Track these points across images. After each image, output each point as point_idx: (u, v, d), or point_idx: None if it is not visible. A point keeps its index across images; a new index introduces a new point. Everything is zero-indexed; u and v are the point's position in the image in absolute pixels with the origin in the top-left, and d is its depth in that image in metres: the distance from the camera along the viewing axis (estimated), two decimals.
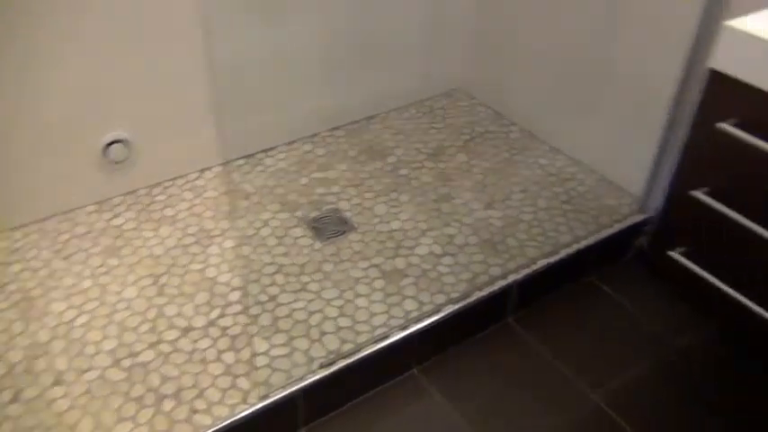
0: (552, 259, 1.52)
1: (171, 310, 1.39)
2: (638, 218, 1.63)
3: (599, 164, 1.79)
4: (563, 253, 1.53)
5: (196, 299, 1.41)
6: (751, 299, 1.08)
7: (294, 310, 1.39)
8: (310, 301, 1.41)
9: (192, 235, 1.57)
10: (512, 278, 1.47)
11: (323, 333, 1.34)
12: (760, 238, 1.03)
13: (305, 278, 1.46)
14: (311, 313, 1.38)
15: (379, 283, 1.45)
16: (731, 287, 1.11)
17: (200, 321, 1.37)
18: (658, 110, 1.54)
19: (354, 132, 1.94)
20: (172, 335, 1.34)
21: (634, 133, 1.65)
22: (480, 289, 1.44)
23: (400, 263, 1.51)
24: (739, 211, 1.06)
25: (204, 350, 1.31)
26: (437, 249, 1.55)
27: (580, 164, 1.83)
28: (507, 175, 1.79)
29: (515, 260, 1.52)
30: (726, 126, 1.02)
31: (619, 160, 1.73)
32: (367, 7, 1.81)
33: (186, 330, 1.35)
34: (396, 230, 1.60)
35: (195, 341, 1.33)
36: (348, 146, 1.88)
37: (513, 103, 1.99)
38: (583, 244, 1.56)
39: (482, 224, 1.62)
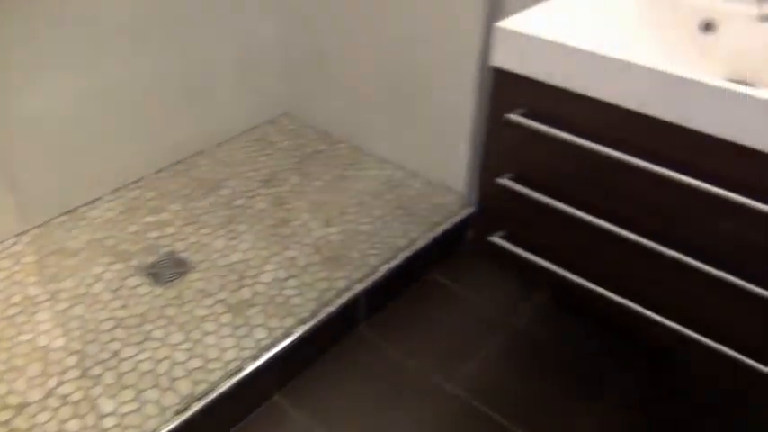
0: (393, 263, 1.58)
1: (1, 389, 1.28)
2: (466, 212, 1.74)
3: (426, 167, 1.88)
4: (402, 256, 1.60)
5: (28, 371, 1.31)
6: (571, 271, 1.19)
7: (139, 361, 1.33)
8: (156, 349, 1.36)
9: (17, 304, 1.46)
10: (357, 288, 1.51)
11: (173, 379, 1.30)
12: (565, 213, 1.14)
13: (148, 326, 1.41)
14: (158, 361, 1.33)
15: (226, 318, 1.43)
16: (550, 261, 1.21)
17: (36, 394, 1.27)
18: (465, 109, 1.66)
19: (183, 171, 1.90)
20: (5, 415, 1.23)
21: (450, 133, 1.75)
22: (328, 304, 1.46)
23: (246, 293, 1.49)
24: (542, 191, 1.17)
25: (44, 424, 1.21)
26: (281, 274, 1.55)
27: (409, 170, 1.91)
28: (341, 191, 1.83)
29: (359, 270, 1.56)
30: (513, 116, 1.12)
31: (443, 161, 1.83)
32: (182, 47, 1.78)
33: (21, 407, 1.24)
34: (237, 262, 1.58)
35: (33, 416, 1.23)
36: (178, 185, 1.84)
37: (338, 120, 2.05)
38: (419, 244, 1.63)
39: (323, 242, 1.65)
